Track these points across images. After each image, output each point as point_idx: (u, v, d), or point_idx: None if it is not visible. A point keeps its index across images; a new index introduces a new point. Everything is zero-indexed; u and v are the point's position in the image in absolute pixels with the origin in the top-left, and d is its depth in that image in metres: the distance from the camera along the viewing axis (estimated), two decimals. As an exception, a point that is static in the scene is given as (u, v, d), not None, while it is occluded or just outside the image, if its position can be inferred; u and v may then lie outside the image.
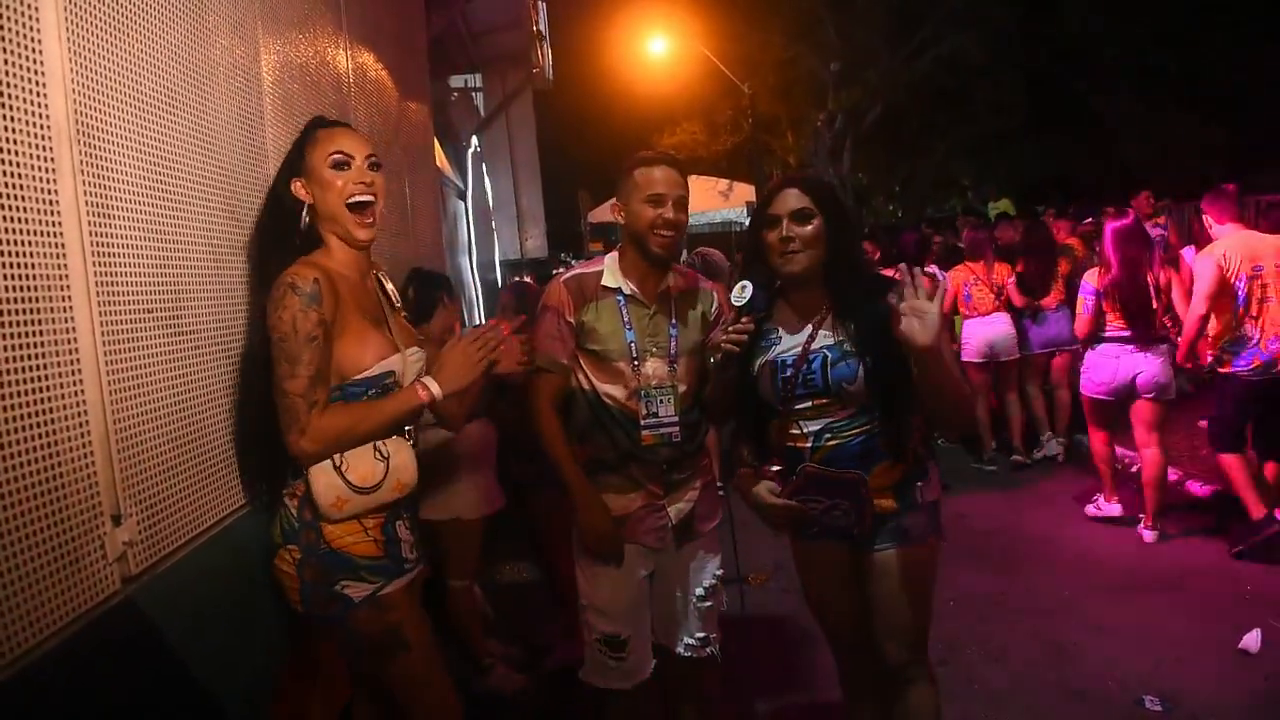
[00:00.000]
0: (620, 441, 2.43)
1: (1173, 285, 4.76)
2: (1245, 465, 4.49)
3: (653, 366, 2.42)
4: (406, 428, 2.04)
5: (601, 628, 2.48)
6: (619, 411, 2.43)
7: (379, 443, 1.96)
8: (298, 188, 1.98)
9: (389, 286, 2.17)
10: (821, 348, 2.24)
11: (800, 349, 2.26)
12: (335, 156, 1.96)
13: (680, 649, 2.58)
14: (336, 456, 1.89)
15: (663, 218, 2.37)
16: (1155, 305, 4.67)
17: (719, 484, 4.55)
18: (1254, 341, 4.38)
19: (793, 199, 2.22)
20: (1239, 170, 10.94)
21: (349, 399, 1.92)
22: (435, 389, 1.95)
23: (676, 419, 2.43)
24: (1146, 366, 4.67)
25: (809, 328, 2.28)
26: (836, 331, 2.24)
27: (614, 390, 2.43)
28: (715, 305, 2.56)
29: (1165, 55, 15.51)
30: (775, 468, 2.30)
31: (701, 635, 2.58)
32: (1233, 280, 4.40)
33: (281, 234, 2.00)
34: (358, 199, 1.97)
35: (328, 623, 1.99)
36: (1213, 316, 4.47)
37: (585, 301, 2.44)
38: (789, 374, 2.25)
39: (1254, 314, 4.37)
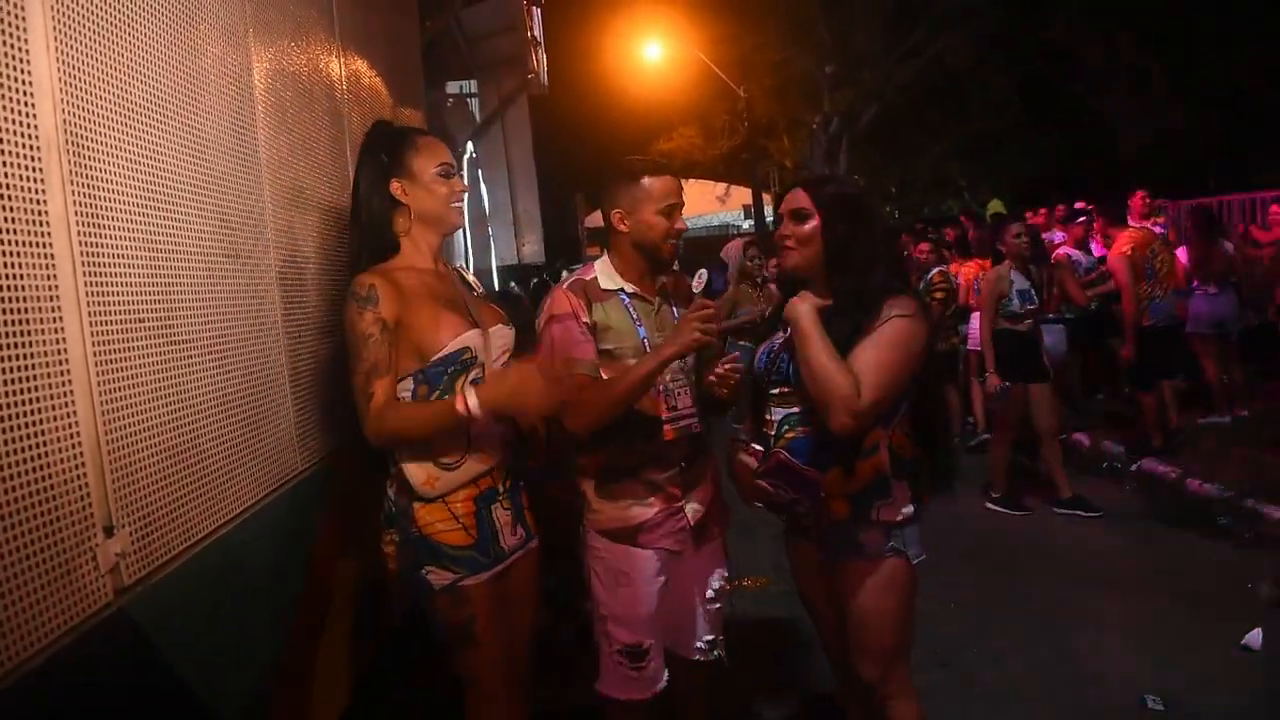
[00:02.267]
0: (638, 444, 2.39)
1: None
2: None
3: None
4: None
5: (622, 638, 2.42)
6: (636, 413, 2.36)
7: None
8: (397, 189, 2.21)
9: (469, 276, 2.38)
10: None
11: (784, 338, 2.34)
12: (444, 167, 2.25)
13: (688, 653, 2.57)
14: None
15: (675, 229, 2.41)
16: None
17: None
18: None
19: (794, 199, 2.30)
20: (1236, 168, 10.97)
21: (430, 380, 2.09)
22: (473, 402, 1.99)
23: (694, 410, 2.45)
24: None
25: None
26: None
27: None
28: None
29: (1150, 56, 15.57)
30: (758, 447, 2.36)
31: (709, 638, 2.58)
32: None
33: (375, 230, 2.22)
34: (458, 202, 2.28)
35: (416, 605, 2.16)
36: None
37: (593, 302, 2.41)
38: (769, 359, 2.36)
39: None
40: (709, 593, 2.57)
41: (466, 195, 2.34)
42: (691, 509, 2.47)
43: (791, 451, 2.26)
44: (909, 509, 2.25)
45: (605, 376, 2.35)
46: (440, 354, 2.09)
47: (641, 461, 2.41)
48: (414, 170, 2.22)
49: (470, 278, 2.38)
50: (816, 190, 2.30)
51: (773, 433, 2.32)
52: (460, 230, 2.34)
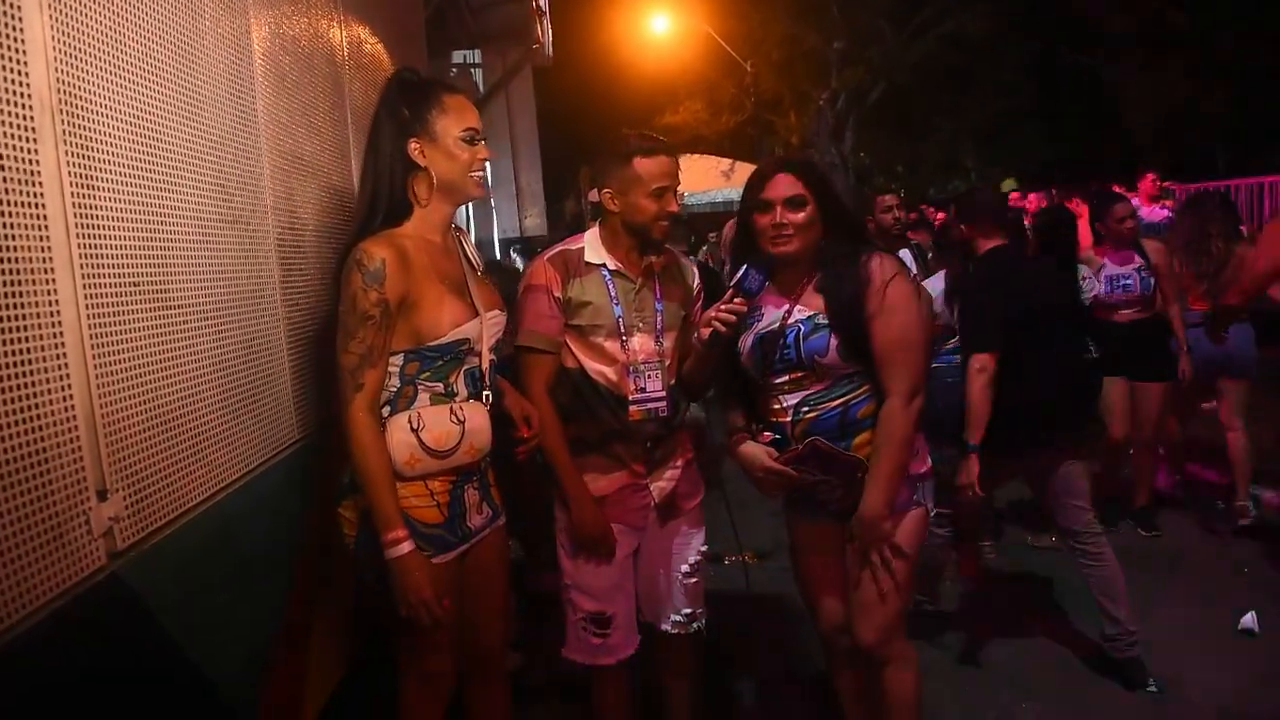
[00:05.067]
0: (605, 420, 2.42)
1: None
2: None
3: (639, 341, 2.41)
4: (485, 393, 2.10)
5: (586, 606, 2.49)
6: (607, 390, 2.41)
7: (456, 406, 2.03)
8: (415, 150, 2.04)
9: (469, 248, 2.21)
10: (796, 321, 2.28)
11: (779, 324, 2.30)
12: (469, 132, 2.09)
13: (666, 625, 2.59)
14: (414, 417, 1.98)
15: (666, 211, 2.37)
16: None
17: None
18: None
19: (785, 185, 2.25)
20: (1243, 149, 10.88)
21: (422, 361, 2.00)
22: (401, 550, 1.94)
23: (664, 394, 2.42)
24: None
25: (787, 303, 2.32)
26: (812, 304, 2.28)
27: (605, 369, 2.42)
28: (696, 279, 2.56)
29: (1178, 16, 15.36)
30: (771, 435, 2.32)
31: (687, 611, 2.59)
32: None
33: (390, 196, 2.06)
34: (479, 171, 2.12)
35: (375, 571, 2.06)
36: None
37: (571, 276, 2.42)
38: (766, 349, 2.30)
39: None
40: (684, 567, 2.58)
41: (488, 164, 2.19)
42: (657, 487, 2.48)
43: (818, 429, 2.26)
44: (929, 461, 2.35)
45: (574, 354, 2.43)
46: (438, 341, 2.01)
47: (606, 436, 2.43)
48: (436, 131, 2.06)
49: (471, 251, 2.24)
50: (805, 173, 2.29)
51: (788, 419, 2.30)
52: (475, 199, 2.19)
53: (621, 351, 2.40)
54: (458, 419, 2.02)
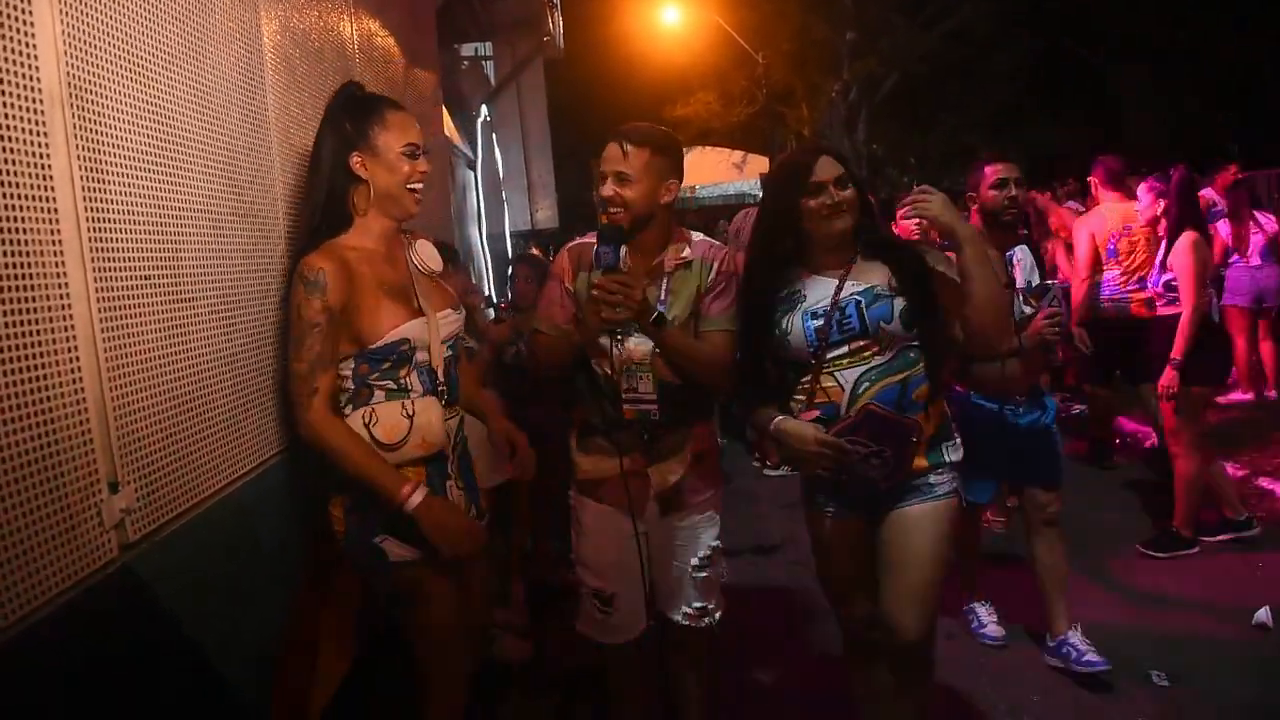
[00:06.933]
0: (607, 410, 2.47)
1: None
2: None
3: (636, 342, 2.40)
4: (440, 388, 2.14)
5: (590, 582, 2.58)
6: (605, 383, 2.45)
7: (408, 401, 2.07)
8: (357, 163, 2.10)
9: (421, 254, 2.24)
10: (852, 295, 2.31)
11: (830, 299, 2.31)
12: (410, 147, 2.14)
13: (677, 617, 2.60)
14: (368, 413, 2.04)
15: (600, 195, 2.43)
16: None
17: (720, 438, 4.52)
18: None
19: (831, 166, 2.32)
20: (1248, 153, 10.77)
21: (369, 362, 2.06)
22: (417, 499, 2.00)
23: (654, 396, 2.41)
24: None
25: (835, 280, 2.34)
26: (865, 278, 2.33)
27: (602, 362, 2.45)
28: (714, 274, 2.49)
29: (1175, 32, 15.29)
30: (816, 413, 2.30)
31: (699, 605, 2.59)
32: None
33: (330, 207, 2.12)
34: (417, 185, 2.17)
35: (364, 571, 2.18)
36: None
37: (580, 270, 2.48)
38: (821, 323, 2.30)
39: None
40: (694, 560, 2.57)
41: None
42: (658, 477, 2.48)
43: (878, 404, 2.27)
44: (962, 450, 2.41)
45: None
46: (378, 344, 2.05)
47: (607, 423, 2.48)
48: (378, 145, 2.11)
49: (422, 257, 2.24)
50: (839, 156, 2.37)
51: (843, 397, 2.28)
52: (414, 214, 2.22)
53: (615, 349, 2.40)
54: (407, 414, 2.06)
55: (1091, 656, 3.14)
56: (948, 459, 2.35)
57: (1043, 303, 3.11)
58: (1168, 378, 4.15)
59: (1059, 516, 3.33)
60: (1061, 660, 3.23)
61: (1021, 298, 3.13)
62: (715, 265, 2.48)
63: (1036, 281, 3.21)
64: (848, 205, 2.29)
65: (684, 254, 2.48)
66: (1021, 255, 3.22)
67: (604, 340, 2.42)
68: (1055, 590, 3.32)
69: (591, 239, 2.46)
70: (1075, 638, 3.22)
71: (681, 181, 2.51)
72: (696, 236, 2.55)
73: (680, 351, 2.38)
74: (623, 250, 2.27)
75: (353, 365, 2.07)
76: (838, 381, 2.29)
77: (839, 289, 2.32)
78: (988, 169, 3.26)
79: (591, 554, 2.58)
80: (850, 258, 2.36)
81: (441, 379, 2.16)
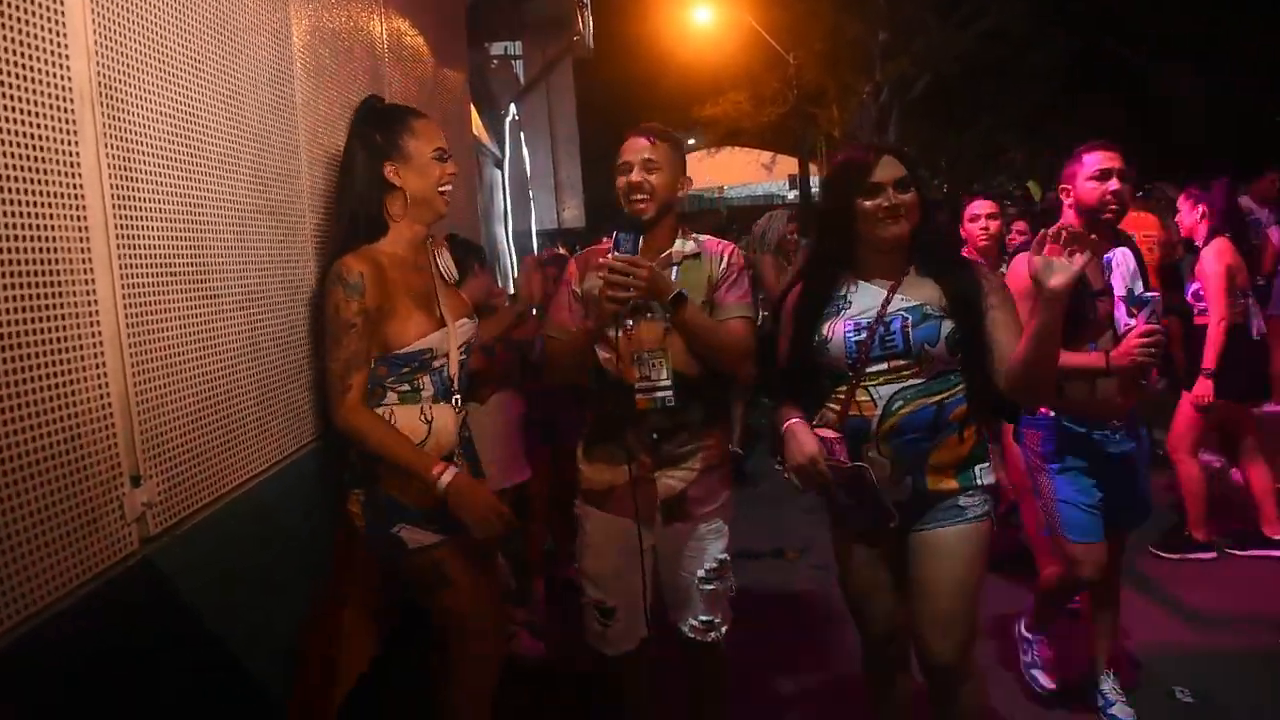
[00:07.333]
0: (612, 410, 2.45)
1: None
2: None
3: (647, 329, 2.39)
4: (455, 396, 2.23)
5: (591, 594, 2.57)
6: (611, 376, 2.42)
7: (425, 406, 2.16)
8: (391, 172, 2.19)
9: (443, 261, 2.35)
10: (899, 310, 2.22)
11: (875, 312, 2.23)
12: (439, 151, 2.24)
13: (685, 629, 2.57)
14: (385, 412, 2.12)
15: (628, 182, 2.40)
16: None
17: (739, 449, 4.49)
18: None
19: (893, 167, 2.21)
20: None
21: (389, 366, 2.13)
22: (447, 479, 2.06)
23: (669, 382, 2.39)
24: None
25: (884, 292, 2.25)
26: (916, 295, 2.23)
27: (603, 353, 2.43)
28: (725, 265, 2.49)
29: (1214, 31, 15.01)
30: (832, 435, 2.25)
31: (706, 619, 2.55)
32: None
33: (366, 212, 2.20)
34: (447, 186, 2.27)
35: (386, 561, 2.23)
36: None
37: (587, 271, 2.49)
38: (864, 336, 2.22)
39: None
40: (700, 572, 2.53)
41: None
42: (664, 484, 2.45)
43: (904, 428, 2.21)
44: (994, 474, 2.34)
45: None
46: (403, 350, 2.13)
47: (615, 428, 2.45)
48: (409, 153, 2.20)
49: (444, 264, 2.35)
50: (904, 157, 2.26)
51: (876, 412, 2.22)
52: (445, 216, 2.32)
53: (623, 339, 2.39)
54: (426, 419, 2.15)
55: (1118, 711, 3.05)
56: (979, 482, 2.27)
57: (1139, 316, 2.74)
58: (1201, 387, 4.07)
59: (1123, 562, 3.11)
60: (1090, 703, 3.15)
61: (1124, 308, 2.81)
62: (726, 258, 2.50)
63: (1140, 290, 2.80)
64: (906, 210, 2.19)
65: (689, 248, 2.49)
66: (1121, 259, 2.83)
67: (611, 333, 2.39)
68: (1102, 636, 3.13)
69: (601, 246, 2.51)
70: (1108, 685, 3.10)
71: (691, 182, 2.56)
72: (703, 236, 2.56)
73: (702, 328, 2.36)
74: (640, 240, 2.29)
75: (372, 365, 2.12)
76: (871, 397, 2.23)
77: (886, 301, 2.23)
78: (1087, 157, 2.83)
79: (593, 565, 2.56)
80: (903, 268, 2.27)
81: (455, 384, 2.23)
